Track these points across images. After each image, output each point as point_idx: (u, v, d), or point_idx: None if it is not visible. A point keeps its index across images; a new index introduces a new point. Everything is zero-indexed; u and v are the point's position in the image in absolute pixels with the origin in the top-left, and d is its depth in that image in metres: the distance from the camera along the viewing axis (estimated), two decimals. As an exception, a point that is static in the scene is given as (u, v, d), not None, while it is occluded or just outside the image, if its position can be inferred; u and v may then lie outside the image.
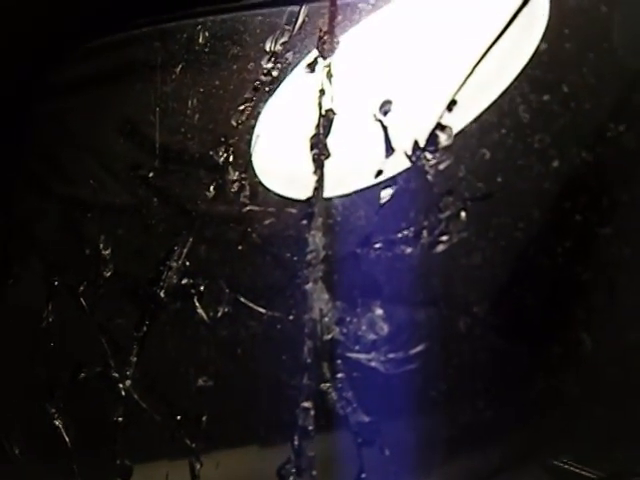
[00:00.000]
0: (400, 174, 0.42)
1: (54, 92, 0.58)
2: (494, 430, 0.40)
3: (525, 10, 0.40)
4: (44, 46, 0.56)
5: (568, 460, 0.39)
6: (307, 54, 0.46)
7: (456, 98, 0.41)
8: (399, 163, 0.42)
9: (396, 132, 0.43)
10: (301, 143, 0.44)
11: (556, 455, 0.39)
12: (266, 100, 0.47)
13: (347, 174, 0.44)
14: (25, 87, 0.57)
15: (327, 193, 0.43)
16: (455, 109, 0.41)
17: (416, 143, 0.41)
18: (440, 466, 0.42)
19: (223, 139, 0.47)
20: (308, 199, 0.43)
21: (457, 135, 0.41)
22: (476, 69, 0.41)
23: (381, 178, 0.42)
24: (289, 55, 0.46)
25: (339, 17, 0.45)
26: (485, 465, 0.41)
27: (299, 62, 0.46)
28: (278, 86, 0.47)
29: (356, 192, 0.43)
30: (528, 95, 0.39)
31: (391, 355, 0.40)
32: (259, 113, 0.47)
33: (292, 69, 0.46)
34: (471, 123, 0.41)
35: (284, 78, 0.47)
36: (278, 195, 0.45)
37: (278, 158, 0.47)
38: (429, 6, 0.43)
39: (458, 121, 0.41)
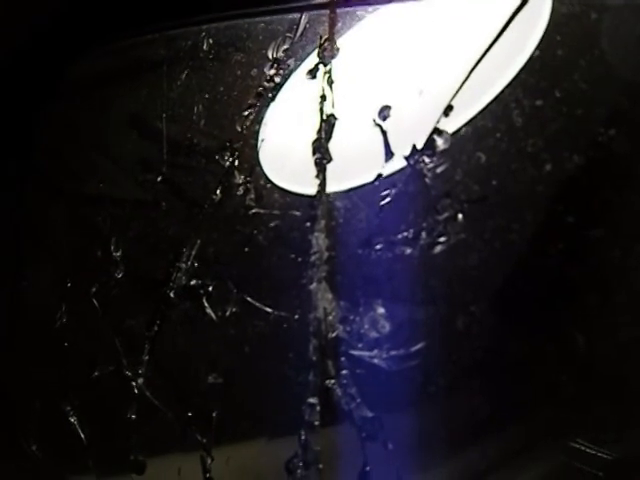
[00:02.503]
0: (399, 177, 0.43)
1: (61, 93, 0.59)
2: (492, 423, 0.42)
3: (524, 17, 0.41)
4: (49, 49, 0.57)
5: (584, 441, 0.39)
6: (308, 61, 0.47)
7: (452, 103, 0.42)
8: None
9: (395, 136, 0.44)
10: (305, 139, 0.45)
11: (572, 437, 0.40)
12: (269, 105, 0.48)
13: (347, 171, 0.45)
14: (34, 87, 0.58)
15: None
16: (451, 113, 0.42)
17: (414, 147, 0.43)
18: (441, 458, 0.43)
19: (228, 144, 0.49)
20: (313, 196, 0.45)
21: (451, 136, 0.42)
22: (472, 74, 0.42)
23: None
24: (291, 62, 0.48)
25: (339, 24, 0.46)
26: (484, 457, 0.42)
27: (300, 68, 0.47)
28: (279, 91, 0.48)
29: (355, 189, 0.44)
30: (522, 100, 0.40)
31: (393, 352, 0.42)
32: (263, 118, 0.48)
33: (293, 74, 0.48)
34: (464, 127, 0.42)
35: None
36: (285, 191, 0.47)
37: (284, 155, 0.48)
38: (426, 12, 0.44)
39: (451, 125, 0.42)
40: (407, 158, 0.43)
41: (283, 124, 0.48)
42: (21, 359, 0.58)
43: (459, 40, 0.43)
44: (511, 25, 0.42)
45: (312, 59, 0.47)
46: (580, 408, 0.40)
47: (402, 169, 0.43)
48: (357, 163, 0.45)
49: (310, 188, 0.45)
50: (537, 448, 0.41)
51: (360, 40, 0.46)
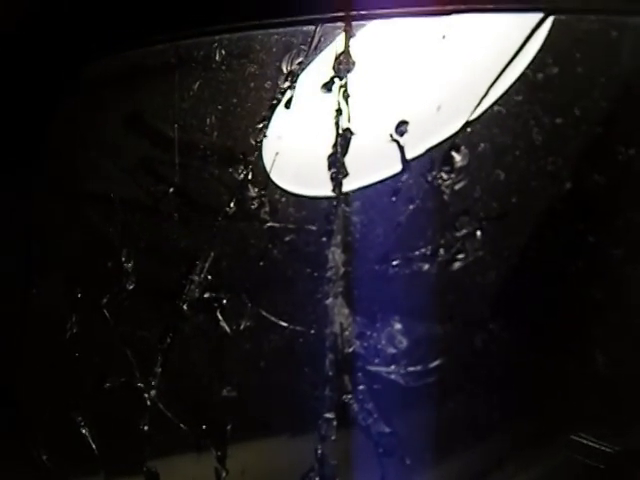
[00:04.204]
0: (417, 193, 0.43)
1: (69, 99, 0.59)
2: (499, 426, 0.42)
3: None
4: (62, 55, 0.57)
5: (586, 435, 0.40)
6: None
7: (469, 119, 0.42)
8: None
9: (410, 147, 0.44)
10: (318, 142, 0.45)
11: (575, 431, 0.40)
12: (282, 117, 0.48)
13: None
14: (41, 93, 0.58)
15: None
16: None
17: (432, 163, 0.42)
18: (447, 460, 0.43)
19: (242, 156, 0.48)
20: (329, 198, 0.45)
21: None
22: (490, 90, 0.42)
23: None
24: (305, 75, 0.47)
25: (354, 37, 0.46)
26: (489, 456, 0.42)
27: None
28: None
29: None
30: (541, 118, 0.40)
31: (410, 368, 0.42)
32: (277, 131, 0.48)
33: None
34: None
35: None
36: (294, 195, 0.46)
37: (298, 167, 0.48)
38: (444, 27, 0.44)
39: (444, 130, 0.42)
40: (425, 174, 0.43)
41: (298, 137, 0.48)
42: (32, 368, 0.58)
43: (478, 53, 0.43)
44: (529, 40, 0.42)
45: (317, 65, 0.47)
46: (583, 405, 0.40)
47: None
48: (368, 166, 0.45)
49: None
50: (541, 443, 0.41)
51: (366, 47, 0.45)
